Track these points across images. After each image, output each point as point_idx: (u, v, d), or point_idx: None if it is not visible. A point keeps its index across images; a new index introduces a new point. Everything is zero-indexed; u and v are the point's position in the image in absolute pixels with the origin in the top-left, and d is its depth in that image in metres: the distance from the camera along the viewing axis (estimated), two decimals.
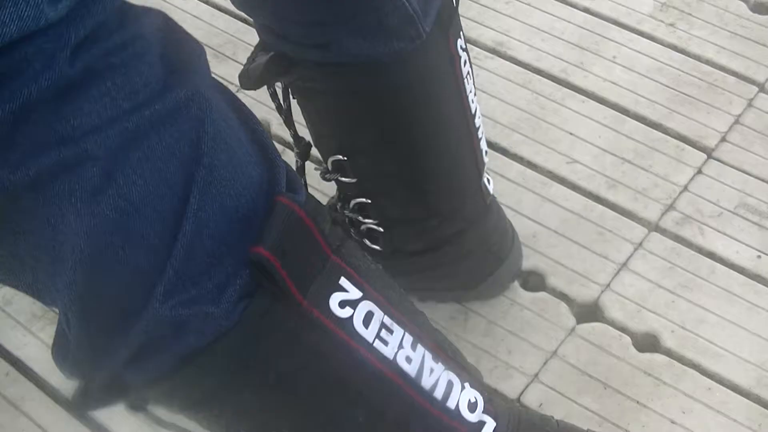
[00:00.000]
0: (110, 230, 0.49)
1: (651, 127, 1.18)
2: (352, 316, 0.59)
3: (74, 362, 0.57)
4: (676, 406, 0.95)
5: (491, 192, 0.95)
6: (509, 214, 1.06)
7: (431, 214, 0.91)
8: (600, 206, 1.11)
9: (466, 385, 0.67)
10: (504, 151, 1.17)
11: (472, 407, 0.66)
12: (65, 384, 1.01)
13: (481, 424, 0.67)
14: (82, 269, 0.50)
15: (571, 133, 1.17)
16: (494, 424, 0.67)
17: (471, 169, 0.91)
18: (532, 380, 0.98)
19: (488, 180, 0.95)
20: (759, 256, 1.06)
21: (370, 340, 0.60)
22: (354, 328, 0.59)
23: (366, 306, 0.60)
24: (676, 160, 1.14)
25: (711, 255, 1.06)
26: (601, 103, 1.20)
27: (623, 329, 1.01)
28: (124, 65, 0.48)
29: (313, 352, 0.58)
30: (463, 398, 0.66)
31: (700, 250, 1.07)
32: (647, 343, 1.01)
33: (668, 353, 0.99)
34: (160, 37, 0.51)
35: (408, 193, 0.89)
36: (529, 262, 1.06)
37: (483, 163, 0.92)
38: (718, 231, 1.08)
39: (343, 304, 0.59)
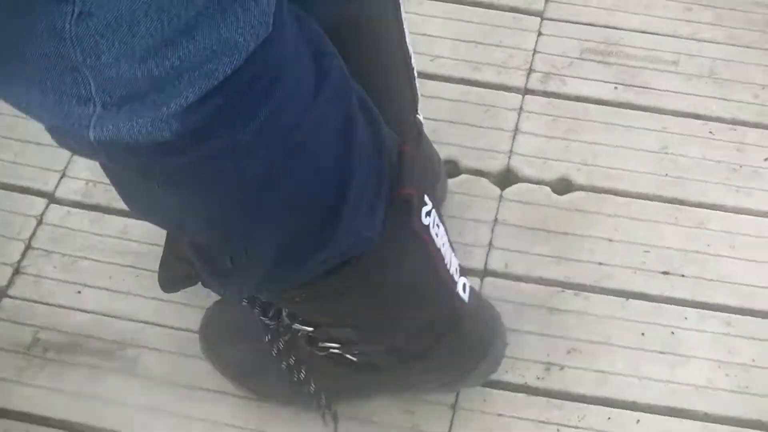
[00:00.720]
0: (298, 171, 0.62)
1: (484, 8, 1.32)
2: (429, 224, 0.73)
3: (240, 287, 0.72)
4: (608, 227, 1.13)
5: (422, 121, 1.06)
6: None
7: None
8: (474, 88, 1.25)
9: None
10: None
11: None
12: (83, 415, 1.02)
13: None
14: (286, 208, 0.63)
15: (424, 34, 1.30)
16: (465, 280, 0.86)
17: (408, 103, 1.01)
18: (489, 249, 1.12)
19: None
20: (615, 87, 1.24)
21: (435, 235, 0.75)
22: (430, 231, 0.73)
23: (429, 206, 0.74)
24: (517, 29, 1.30)
25: (578, 98, 1.24)
26: (434, 0, 1.33)
27: (539, 182, 1.17)
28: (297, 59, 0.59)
29: (414, 257, 0.73)
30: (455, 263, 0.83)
31: (569, 98, 1.24)
32: (563, 186, 1.17)
33: (582, 188, 1.16)
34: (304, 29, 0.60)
35: None
36: (441, 153, 1.19)
37: (417, 98, 1.02)
38: (576, 77, 1.26)
39: (426, 214, 0.72)
